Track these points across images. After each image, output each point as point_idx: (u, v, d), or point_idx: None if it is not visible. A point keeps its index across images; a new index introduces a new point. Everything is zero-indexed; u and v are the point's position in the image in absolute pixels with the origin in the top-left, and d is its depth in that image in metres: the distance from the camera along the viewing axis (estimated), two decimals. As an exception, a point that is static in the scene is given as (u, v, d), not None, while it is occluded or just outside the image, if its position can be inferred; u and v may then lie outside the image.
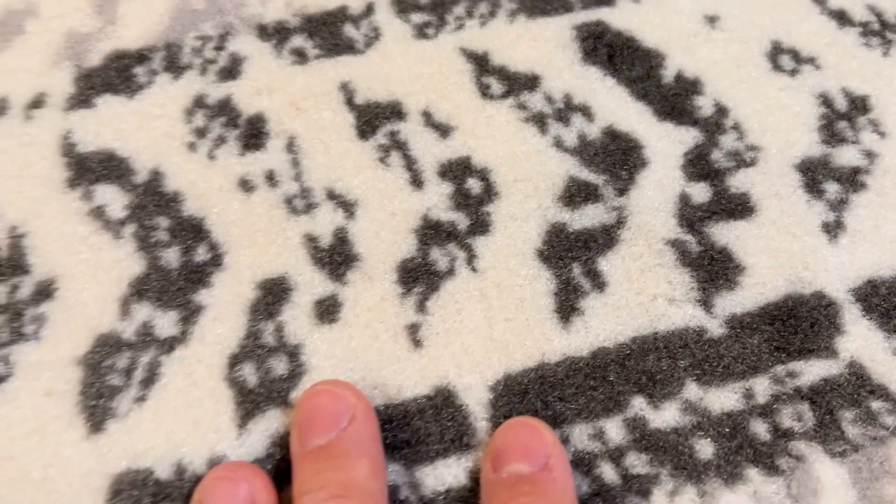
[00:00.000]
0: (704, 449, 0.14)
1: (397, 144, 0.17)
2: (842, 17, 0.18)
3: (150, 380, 0.15)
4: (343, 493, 0.12)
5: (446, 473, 0.14)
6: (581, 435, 0.14)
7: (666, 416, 0.14)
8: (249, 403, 0.14)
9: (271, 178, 0.17)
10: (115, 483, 0.14)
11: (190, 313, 0.15)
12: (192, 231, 0.16)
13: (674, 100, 0.17)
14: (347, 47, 0.18)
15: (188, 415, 0.14)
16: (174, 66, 0.18)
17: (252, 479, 0.13)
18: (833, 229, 0.16)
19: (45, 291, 0.15)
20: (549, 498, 0.13)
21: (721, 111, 0.17)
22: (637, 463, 0.14)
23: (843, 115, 0.17)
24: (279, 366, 0.15)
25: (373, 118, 0.17)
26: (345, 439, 0.13)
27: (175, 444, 0.14)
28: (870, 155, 0.17)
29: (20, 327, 0.15)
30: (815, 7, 0.19)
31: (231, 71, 0.18)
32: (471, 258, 0.16)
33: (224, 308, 0.15)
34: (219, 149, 0.17)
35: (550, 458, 0.13)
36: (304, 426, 0.13)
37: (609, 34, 0.18)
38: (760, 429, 0.14)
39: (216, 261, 0.16)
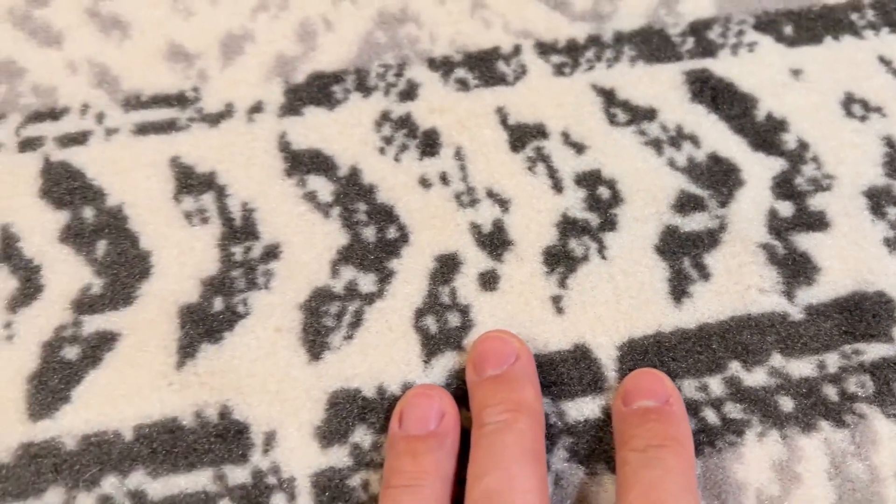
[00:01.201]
0: (786, 403, 0.18)
1: (542, 157, 0.22)
2: (904, 76, 0.23)
3: (355, 323, 0.19)
4: (516, 409, 0.17)
5: (584, 408, 0.18)
6: (689, 387, 0.18)
7: (756, 378, 0.18)
8: (432, 346, 0.19)
9: (444, 179, 0.21)
10: (331, 398, 0.18)
11: (384, 276, 0.20)
12: (384, 215, 0.21)
13: (765, 134, 0.22)
14: (500, 79, 0.23)
15: (385, 351, 0.19)
16: (363, 87, 0.23)
17: (443, 396, 0.18)
18: (892, 243, 0.20)
19: (272, 253, 0.20)
20: (673, 425, 0.17)
21: (803, 146, 0.22)
22: (733, 410, 0.18)
23: (903, 155, 0.21)
24: (454, 319, 0.19)
25: (522, 136, 0.22)
26: (514, 371, 0.18)
27: (376, 372, 0.19)
28: (925, 187, 0.21)
29: (254, 279, 0.20)
30: (882, 67, 0.23)
31: (409, 93, 0.23)
32: (601, 248, 0.20)
33: (410, 274, 0.20)
34: (402, 153, 0.22)
35: (671, 397, 0.17)
36: (479, 361, 0.18)
37: (713, 79, 0.23)
38: (831, 392, 0.18)
39: (404, 238, 0.20)
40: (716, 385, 0.18)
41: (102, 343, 0.19)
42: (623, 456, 0.16)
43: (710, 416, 0.18)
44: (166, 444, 0.18)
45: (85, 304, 0.19)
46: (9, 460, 0.17)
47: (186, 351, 0.19)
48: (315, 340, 0.19)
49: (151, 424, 0.18)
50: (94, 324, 0.19)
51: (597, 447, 0.18)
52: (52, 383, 0.18)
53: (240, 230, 0.20)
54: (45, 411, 0.18)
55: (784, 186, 0.21)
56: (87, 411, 0.18)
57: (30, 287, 0.19)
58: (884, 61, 0.23)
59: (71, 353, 0.19)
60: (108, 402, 0.18)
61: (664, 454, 0.16)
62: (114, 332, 0.19)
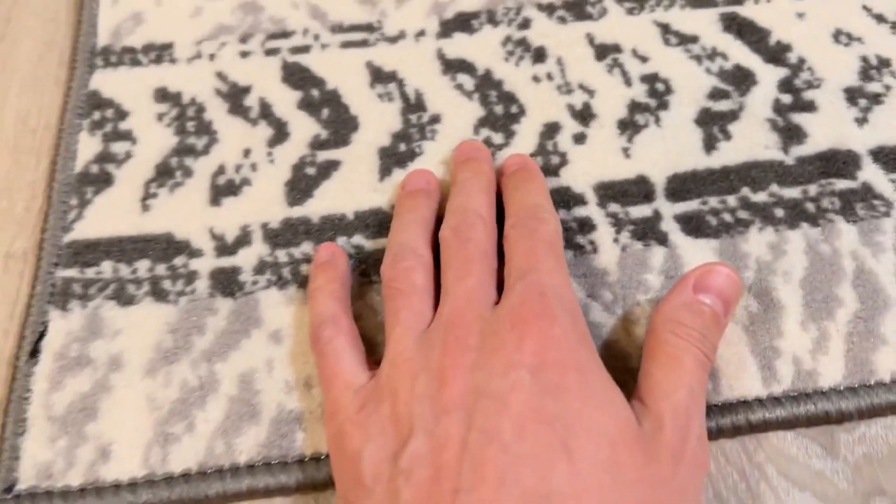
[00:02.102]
0: (779, 212, 0.28)
1: (617, 64, 0.32)
2: None
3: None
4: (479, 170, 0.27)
5: (642, 210, 0.28)
6: (714, 202, 0.28)
7: (759, 197, 0.28)
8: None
9: (549, 76, 0.32)
10: None
11: (509, 134, 0.30)
12: (509, 98, 0.31)
13: (774, 53, 0.31)
14: (588, 17, 0.33)
15: (511, 176, 0.29)
16: (493, 21, 0.34)
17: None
18: (860, 122, 0.30)
19: (435, 119, 0.31)
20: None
21: (801, 60, 0.31)
22: (743, 214, 0.28)
23: None
24: (554, 160, 0.30)
25: (604, 51, 0.32)
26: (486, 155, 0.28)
27: (506, 188, 0.29)
28: None
29: (424, 134, 0.31)
30: (864, 12, 0.33)
31: (524, 25, 0.33)
32: (657, 120, 0.30)
33: (527, 134, 0.30)
34: (521, 62, 0.32)
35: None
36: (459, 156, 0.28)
37: (739, 18, 0.33)
38: (810, 206, 0.28)
39: (522, 112, 0.31)
40: (732, 200, 0.28)
41: (330, 166, 0.30)
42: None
43: (727, 217, 0.28)
44: (374, 221, 0.28)
45: (317, 145, 0.30)
46: (277, 227, 0.28)
47: (384, 172, 0.30)
48: None
49: (369, 212, 0.29)
50: (323, 156, 0.30)
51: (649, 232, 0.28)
52: (299, 187, 0.29)
53: (414, 105, 0.31)
54: (297, 202, 0.29)
55: (786, 85, 0.31)
56: (323, 203, 0.29)
57: (281, 134, 0.31)
58: (865, 8, 0.33)
59: (310, 171, 0.30)
60: (336, 199, 0.29)
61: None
62: (337, 161, 0.30)
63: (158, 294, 0.26)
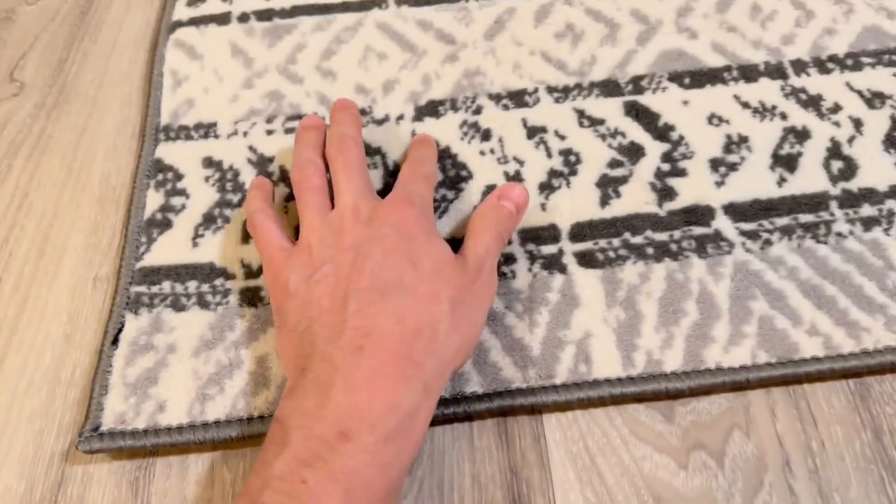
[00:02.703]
0: (651, 247, 0.38)
1: (543, 142, 0.43)
2: None
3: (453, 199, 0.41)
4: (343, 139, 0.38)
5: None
6: (601, 242, 0.39)
7: (636, 240, 0.39)
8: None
9: (492, 151, 0.43)
10: None
11: (458, 192, 0.42)
12: (461, 166, 0.43)
13: (661, 132, 0.43)
14: (525, 104, 0.45)
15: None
16: (454, 107, 0.45)
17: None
18: (720, 183, 0.40)
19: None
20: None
21: (681, 137, 0.42)
22: (621, 249, 0.38)
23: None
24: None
25: (534, 131, 0.44)
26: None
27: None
28: None
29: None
30: (735, 101, 0.44)
31: (477, 111, 0.45)
32: (568, 182, 0.41)
33: (470, 192, 0.41)
34: (472, 140, 0.44)
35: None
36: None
37: (638, 105, 0.44)
38: (673, 246, 0.38)
39: (470, 176, 0.42)
40: (616, 242, 0.38)
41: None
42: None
43: (611, 254, 0.38)
44: (357, 254, 0.39)
45: (319, 198, 0.42)
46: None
47: (366, 219, 0.41)
48: None
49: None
50: (323, 207, 0.41)
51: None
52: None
53: (392, 172, 0.43)
54: (303, 240, 0.40)
55: (667, 156, 0.42)
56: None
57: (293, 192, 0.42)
58: (735, 97, 0.44)
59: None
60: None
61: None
62: (332, 210, 0.41)
63: (203, 304, 0.37)
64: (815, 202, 0.39)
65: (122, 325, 0.37)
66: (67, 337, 0.38)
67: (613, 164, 0.41)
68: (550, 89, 0.45)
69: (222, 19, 0.49)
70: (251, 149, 0.43)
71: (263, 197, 0.37)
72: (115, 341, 0.36)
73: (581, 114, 0.43)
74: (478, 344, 0.34)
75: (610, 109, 0.44)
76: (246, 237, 0.40)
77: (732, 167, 0.40)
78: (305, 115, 0.41)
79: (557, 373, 0.34)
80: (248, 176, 0.42)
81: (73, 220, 0.42)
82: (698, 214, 0.39)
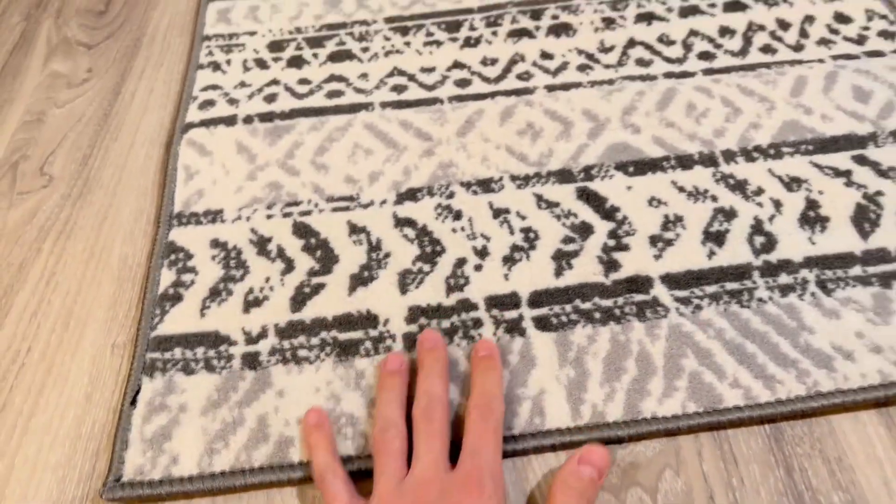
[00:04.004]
0: (599, 312, 0.45)
1: (507, 221, 0.50)
2: None
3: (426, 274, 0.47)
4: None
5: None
6: (561, 308, 0.45)
7: (586, 305, 0.45)
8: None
9: (463, 229, 0.50)
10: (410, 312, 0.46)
11: (434, 263, 0.48)
12: (434, 241, 0.50)
13: (608, 213, 0.50)
14: (491, 190, 0.52)
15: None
16: (430, 194, 0.52)
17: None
18: (658, 257, 0.47)
19: (378, 245, 0.49)
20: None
21: (625, 217, 0.49)
22: (576, 311, 0.45)
23: (667, 221, 0.49)
24: (460, 279, 0.47)
25: (498, 213, 0.51)
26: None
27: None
28: None
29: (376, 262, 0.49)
30: (672, 186, 0.51)
31: (450, 196, 0.52)
32: (528, 256, 0.48)
33: (446, 262, 0.48)
34: (446, 219, 0.51)
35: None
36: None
37: (589, 190, 0.51)
38: (616, 311, 0.45)
39: (443, 251, 0.49)
40: (568, 308, 0.45)
41: (319, 287, 0.47)
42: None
43: (563, 318, 0.45)
44: (345, 321, 0.46)
45: (312, 273, 0.48)
46: (283, 326, 0.46)
47: (351, 290, 0.47)
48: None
49: (342, 315, 0.46)
50: (315, 280, 0.48)
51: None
52: (299, 300, 0.47)
53: (375, 247, 0.49)
54: (297, 310, 0.46)
55: (612, 234, 0.48)
56: (314, 310, 0.46)
57: (289, 267, 0.49)
58: (673, 182, 0.51)
59: (307, 290, 0.47)
60: (321, 308, 0.47)
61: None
62: (323, 283, 0.48)
63: (209, 368, 0.43)
64: (740, 272, 0.45)
65: (140, 388, 0.42)
66: (88, 397, 0.43)
67: (567, 240, 0.48)
68: (513, 177, 0.52)
69: (229, 121, 0.57)
70: (253, 231, 0.50)
71: (328, 446, 0.37)
72: (134, 402, 0.42)
73: (539, 198, 0.51)
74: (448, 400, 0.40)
75: (564, 194, 0.51)
76: (247, 307, 0.46)
77: (669, 242, 0.47)
78: (389, 355, 0.41)
79: (515, 425, 0.40)
80: (249, 254, 0.49)
81: (94, 296, 0.48)
82: (639, 284, 0.45)
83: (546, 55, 0.61)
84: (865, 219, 0.47)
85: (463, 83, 0.59)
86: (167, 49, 0.66)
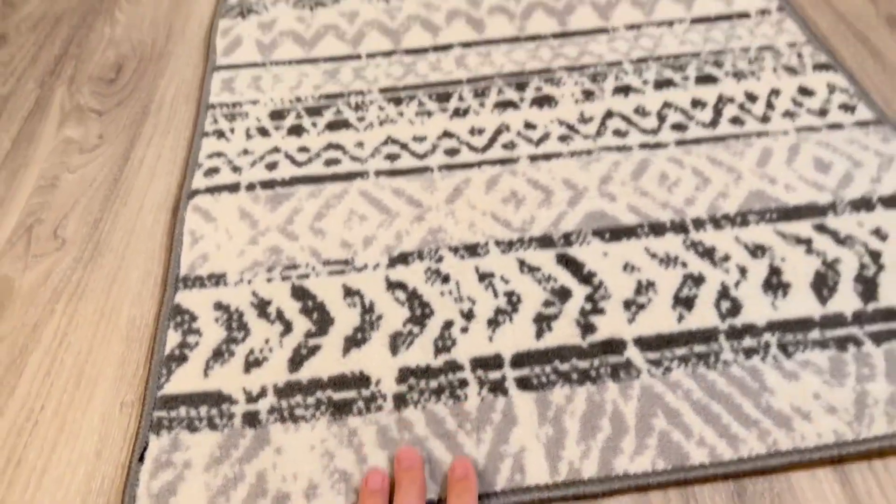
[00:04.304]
0: (577, 372, 0.48)
1: (492, 285, 0.54)
2: (649, 256, 0.55)
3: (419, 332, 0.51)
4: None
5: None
6: (543, 369, 0.49)
7: (564, 366, 0.49)
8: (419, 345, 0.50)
9: (450, 292, 0.54)
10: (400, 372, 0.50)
11: (423, 324, 0.52)
12: (425, 305, 0.53)
13: (586, 277, 0.54)
14: (478, 255, 0.56)
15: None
16: (420, 257, 0.56)
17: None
18: (631, 320, 0.51)
19: (370, 307, 0.53)
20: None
21: (601, 282, 0.53)
22: (557, 371, 0.48)
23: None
24: (452, 338, 0.51)
25: (483, 277, 0.55)
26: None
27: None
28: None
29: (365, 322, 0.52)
30: (646, 253, 0.55)
31: (439, 259, 0.56)
32: (511, 319, 0.52)
33: (435, 324, 0.52)
34: (434, 283, 0.55)
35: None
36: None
37: (567, 256, 0.55)
38: (592, 372, 0.48)
39: (432, 313, 0.53)
40: (547, 369, 0.48)
41: (315, 348, 0.51)
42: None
43: (543, 379, 0.48)
44: (339, 382, 0.49)
45: (309, 335, 0.52)
46: (282, 386, 0.49)
47: (345, 351, 0.51)
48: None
49: (337, 376, 0.49)
50: (312, 342, 0.51)
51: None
52: (296, 361, 0.50)
53: (368, 309, 0.53)
54: (294, 371, 0.50)
55: (589, 298, 0.52)
56: (310, 371, 0.50)
57: (287, 329, 0.52)
58: (646, 249, 0.55)
59: (303, 351, 0.51)
60: (317, 368, 0.50)
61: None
62: (319, 345, 0.51)
63: (212, 426, 0.47)
64: (707, 336, 0.49)
65: (147, 445, 0.46)
66: (98, 453, 0.46)
67: (547, 303, 0.52)
68: (498, 243, 0.56)
69: (233, 188, 0.61)
70: (254, 294, 0.54)
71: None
72: (142, 458, 0.45)
73: (522, 262, 0.55)
74: (433, 458, 0.43)
75: (545, 259, 0.55)
76: (248, 368, 0.49)
77: (641, 307, 0.51)
78: (370, 471, 0.42)
79: (497, 481, 0.43)
80: (251, 317, 0.52)
81: (104, 356, 0.52)
82: (613, 346, 0.49)
83: (530, 125, 0.65)
84: (824, 285, 0.51)
85: (452, 152, 0.63)
86: (174, 116, 0.70)
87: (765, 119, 0.64)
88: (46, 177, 0.65)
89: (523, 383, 0.47)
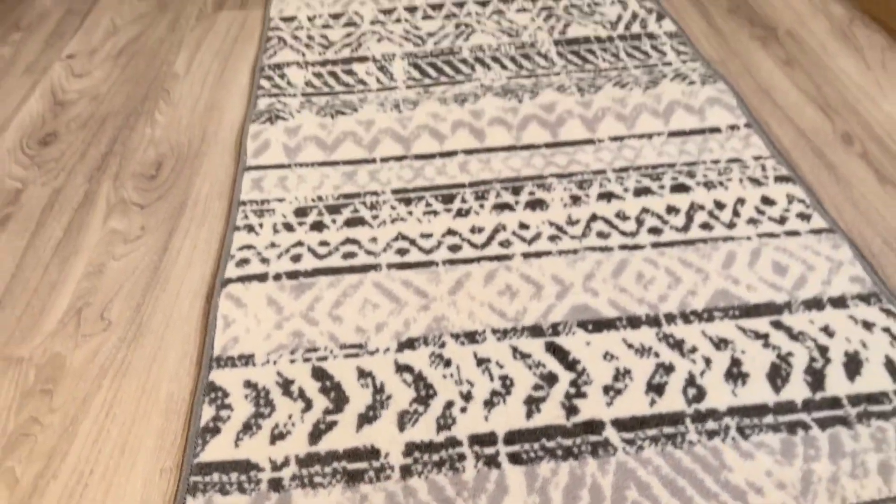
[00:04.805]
0: (561, 449, 0.56)
1: (483, 362, 0.62)
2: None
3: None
4: None
5: (491, 451, 0.56)
6: (531, 446, 0.56)
7: (552, 444, 0.56)
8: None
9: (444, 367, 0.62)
10: None
11: (428, 398, 0.60)
12: (426, 385, 0.61)
13: (571, 364, 0.62)
14: (476, 342, 0.64)
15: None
16: (425, 343, 0.65)
17: None
18: (609, 403, 0.59)
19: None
20: None
21: (584, 369, 0.61)
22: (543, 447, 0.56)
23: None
24: (454, 409, 0.58)
25: (483, 365, 0.63)
26: None
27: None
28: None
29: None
30: (624, 344, 0.63)
31: (443, 345, 0.64)
32: (506, 391, 0.60)
33: (444, 396, 0.60)
34: (437, 367, 0.63)
35: None
36: None
37: (555, 345, 0.64)
38: (574, 450, 0.56)
39: (434, 394, 0.61)
40: (536, 446, 0.56)
41: (332, 424, 0.58)
42: None
43: (532, 455, 0.56)
44: (353, 455, 0.57)
45: (327, 412, 0.60)
46: (303, 457, 0.57)
47: (359, 427, 0.58)
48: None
49: (351, 449, 0.57)
50: (330, 418, 0.59)
51: None
52: (315, 434, 0.58)
53: (379, 390, 0.61)
54: (314, 443, 0.57)
55: (573, 383, 0.60)
56: (328, 444, 0.57)
57: (308, 406, 0.60)
58: (624, 341, 0.64)
59: (322, 426, 0.59)
60: (335, 441, 0.57)
61: None
62: (336, 421, 0.59)
63: (241, 490, 0.54)
64: (675, 419, 0.57)
65: (184, 506, 0.53)
66: (140, 515, 0.54)
67: (536, 387, 0.60)
68: (494, 331, 0.64)
69: (262, 278, 0.70)
70: (279, 374, 0.62)
71: None
72: (179, 518, 0.52)
73: (515, 349, 0.63)
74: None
75: (535, 347, 0.63)
76: (273, 440, 0.57)
77: (619, 392, 0.59)
78: None
79: (491, 542, 0.50)
80: (276, 394, 0.60)
81: (145, 427, 0.59)
82: (594, 427, 0.57)
83: (524, 225, 0.75)
84: (778, 376, 0.59)
85: (455, 248, 0.72)
86: (208, 211, 0.80)
87: (731, 225, 0.73)
88: (94, 264, 0.74)
89: (514, 458, 0.54)
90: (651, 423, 0.56)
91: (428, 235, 0.74)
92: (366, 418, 0.57)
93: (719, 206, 0.75)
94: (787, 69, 0.97)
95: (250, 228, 0.75)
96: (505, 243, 0.72)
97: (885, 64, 0.96)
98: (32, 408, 0.60)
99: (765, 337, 0.62)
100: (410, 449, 0.55)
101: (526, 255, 0.71)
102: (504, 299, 0.67)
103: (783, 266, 0.68)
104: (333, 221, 0.76)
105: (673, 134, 0.85)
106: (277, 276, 0.70)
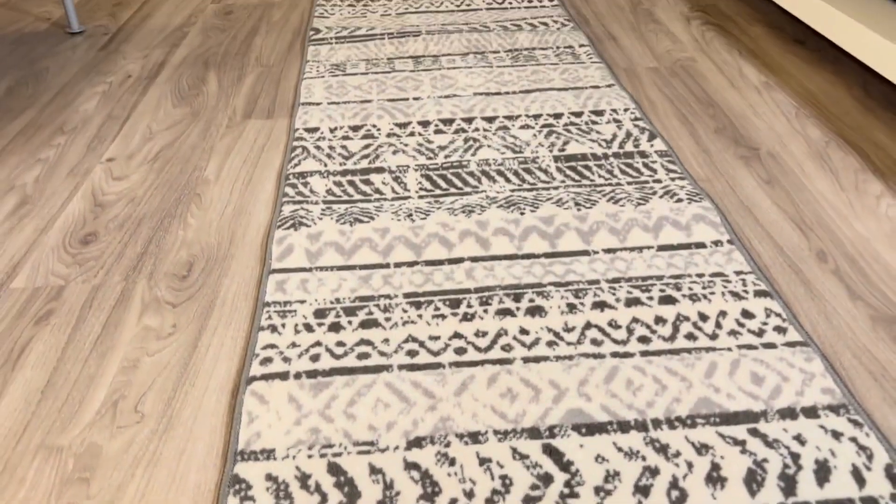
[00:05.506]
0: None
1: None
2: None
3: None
4: None
5: None
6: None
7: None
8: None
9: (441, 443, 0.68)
10: None
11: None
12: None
13: (566, 465, 0.68)
14: (478, 442, 0.71)
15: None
16: (433, 442, 0.71)
17: None
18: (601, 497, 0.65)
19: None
20: None
21: (576, 470, 0.68)
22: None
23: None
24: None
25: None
26: None
27: None
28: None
29: (392, 502, 0.66)
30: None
31: (447, 445, 0.71)
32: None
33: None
34: (443, 466, 0.69)
35: None
36: None
37: (551, 447, 0.70)
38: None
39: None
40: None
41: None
42: None
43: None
44: (364, 546, 0.62)
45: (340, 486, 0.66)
46: (318, 547, 0.62)
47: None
48: None
49: (361, 539, 0.63)
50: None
51: None
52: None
53: (389, 486, 0.67)
54: None
55: (566, 483, 0.66)
56: None
57: (324, 501, 0.66)
58: (614, 444, 0.70)
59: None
60: None
61: None
62: None
63: (262, 578, 0.60)
64: (659, 519, 0.63)
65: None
66: None
67: (533, 486, 0.66)
68: (496, 432, 0.71)
69: (283, 376, 0.77)
70: (297, 468, 0.68)
71: None
72: None
73: (514, 450, 0.69)
74: None
75: (532, 448, 0.69)
76: (292, 532, 0.63)
77: (608, 493, 0.65)
78: None
79: None
80: (294, 488, 0.66)
81: (174, 515, 0.65)
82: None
83: (524, 331, 0.82)
84: (754, 480, 0.65)
85: (460, 351, 0.80)
86: (235, 311, 0.88)
87: (713, 336, 0.81)
88: (129, 359, 0.82)
89: (512, 553, 0.60)
90: (637, 523, 0.62)
91: (436, 338, 0.81)
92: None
93: (703, 317, 0.83)
94: (767, 188, 1.06)
95: (273, 329, 0.83)
96: (506, 347, 0.80)
97: (858, 185, 1.06)
98: (71, 495, 0.66)
99: (742, 443, 0.68)
100: (417, 542, 0.61)
101: (525, 360, 0.78)
102: (505, 402, 0.73)
103: (760, 377, 0.75)
104: (349, 323, 0.84)
105: (662, 248, 0.94)
106: (297, 375, 0.77)
